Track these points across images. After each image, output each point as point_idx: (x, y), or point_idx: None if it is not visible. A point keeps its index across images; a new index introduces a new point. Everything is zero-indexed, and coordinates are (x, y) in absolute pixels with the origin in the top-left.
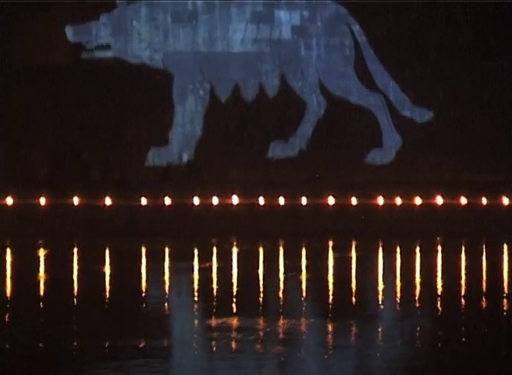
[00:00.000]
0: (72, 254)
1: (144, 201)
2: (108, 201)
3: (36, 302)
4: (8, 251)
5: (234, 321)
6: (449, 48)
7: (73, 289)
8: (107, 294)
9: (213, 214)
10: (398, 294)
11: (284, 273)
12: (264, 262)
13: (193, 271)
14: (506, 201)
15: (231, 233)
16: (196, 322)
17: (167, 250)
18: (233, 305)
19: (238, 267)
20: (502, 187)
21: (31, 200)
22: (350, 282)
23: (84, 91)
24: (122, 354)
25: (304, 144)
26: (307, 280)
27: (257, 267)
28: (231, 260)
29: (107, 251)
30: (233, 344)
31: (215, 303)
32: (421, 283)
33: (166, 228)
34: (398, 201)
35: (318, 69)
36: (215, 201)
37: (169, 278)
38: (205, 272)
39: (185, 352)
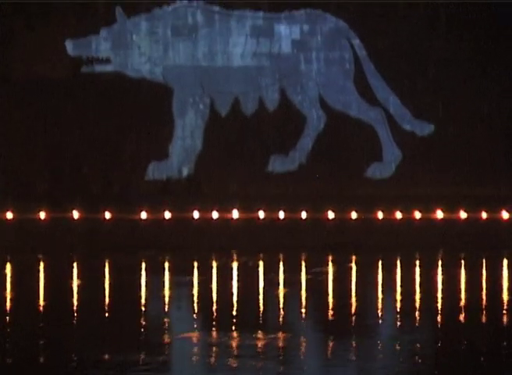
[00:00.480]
0: (72, 268)
1: (143, 214)
2: (108, 214)
3: (34, 316)
4: (8, 265)
5: (233, 336)
6: (449, 61)
7: (72, 303)
8: (105, 308)
9: (213, 228)
10: (398, 309)
11: (283, 286)
12: (264, 275)
13: (191, 285)
14: (505, 215)
15: (231, 248)
16: (191, 336)
17: (167, 264)
18: (231, 320)
19: (238, 281)
20: (501, 201)
21: (31, 214)
22: (350, 297)
23: (84, 105)
24: (119, 368)
25: (303, 158)
26: (306, 294)
27: (257, 281)
28: (230, 274)
29: (106, 265)
30: (232, 361)
31: (211, 317)
32: (420, 298)
33: (166, 242)
34: (398, 215)
35: (317, 83)
36: (215, 215)
37: (168, 292)
38: (203, 286)
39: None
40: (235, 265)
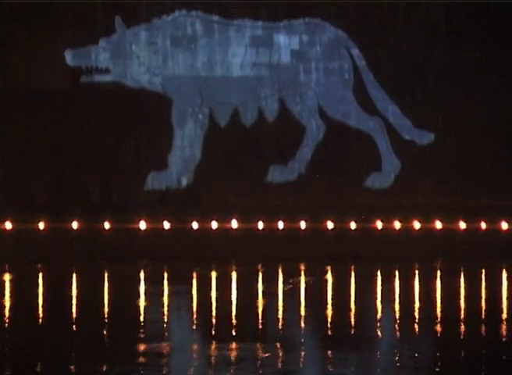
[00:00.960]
0: (71, 278)
1: (142, 225)
2: (107, 225)
3: (33, 325)
4: (7, 275)
5: (232, 347)
6: (448, 71)
7: (71, 314)
8: (102, 318)
9: (212, 238)
10: (397, 321)
11: (279, 296)
12: (263, 285)
13: (189, 295)
14: (505, 225)
15: (230, 258)
16: (188, 347)
17: (165, 274)
18: (230, 331)
19: (237, 291)
20: (501, 211)
21: (30, 224)
22: (349, 308)
23: (83, 115)
24: None
25: (303, 168)
26: (305, 304)
27: (255, 292)
28: (229, 284)
29: (105, 275)
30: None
31: (209, 328)
32: (419, 309)
33: (165, 252)
34: (397, 225)
35: (317, 94)
36: (214, 225)
37: (166, 303)
38: (202, 297)
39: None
40: (234, 275)
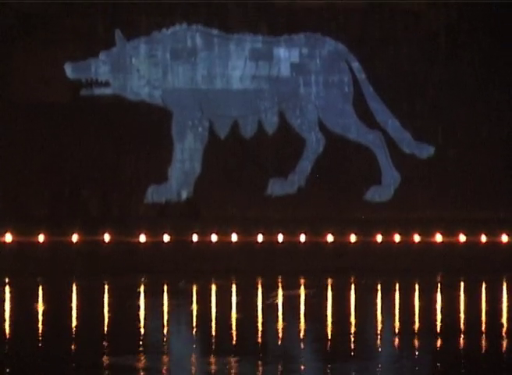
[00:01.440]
0: (71, 291)
1: (142, 238)
2: (107, 237)
3: (32, 338)
4: (7, 288)
5: (231, 361)
6: (448, 84)
7: (70, 327)
8: (101, 331)
9: (212, 251)
10: (397, 335)
11: (282, 312)
12: (262, 299)
13: (189, 309)
14: (505, 238)
15: (230, 271)
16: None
17: (165, 287)
18: (229, 345)
19: (236, 305)
20: (501, 224)
21: (30, 237)
22: (349, 322)
23: (83, 128)
24: None
25: (302, 181)
26: (305, 318)
27: (255, 305)
28: (229, 298)
29: (105, 288)
30: None
31: (209, 341)
32: (419, 322)
33: (165, 265)
34: (397, 238)
35: (317, 107)
36: (214, 238)
37: (166, 316)
38: (201, 310)
39: None
40: (233, 288)
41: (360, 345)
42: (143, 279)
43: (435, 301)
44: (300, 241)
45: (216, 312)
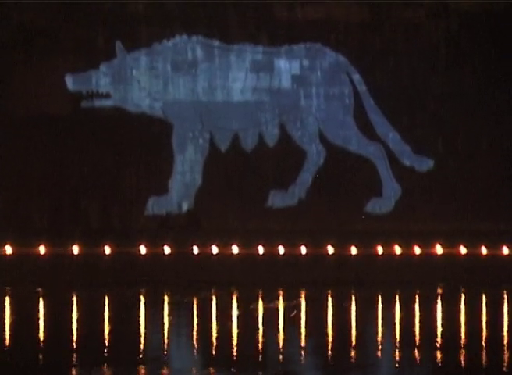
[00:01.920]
0: (71, 303)
1: (143, 249)
2: (107, 249)
3: (31, 350)
4: (7, 299)
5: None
6: (449, 97)
7: (70, 338)
8: (100, 344)
9: (212, 263)
10: (397, 347)
11: (283, 322)
12: (263, 311)
13: (190, 321)
14: (506, 250)
15: (230, 283)
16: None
17: (166, 299)
18: (229, 357)
19: (237, 318)
20: (502, 236)
21: (30, 249)
22: (350, 334)
23: (84, 140)
24: None
25: (303, 193)
26: (305, 330)
27: (256, 317)
28: (229, 310)
29: (105, 300)
30: None
31: (208, 353)
32: (420, 335)
33: (165, 277)
34: (397, 250)
35: (317, 119)
36: (215, 250)
37: (166, 328)
38: (202, 323)
39: None
40: (234, 300)
41: (360, 356)
42: (143, 290)
43: (436, 314)
44: (300, 253)
45: (216, 325)
